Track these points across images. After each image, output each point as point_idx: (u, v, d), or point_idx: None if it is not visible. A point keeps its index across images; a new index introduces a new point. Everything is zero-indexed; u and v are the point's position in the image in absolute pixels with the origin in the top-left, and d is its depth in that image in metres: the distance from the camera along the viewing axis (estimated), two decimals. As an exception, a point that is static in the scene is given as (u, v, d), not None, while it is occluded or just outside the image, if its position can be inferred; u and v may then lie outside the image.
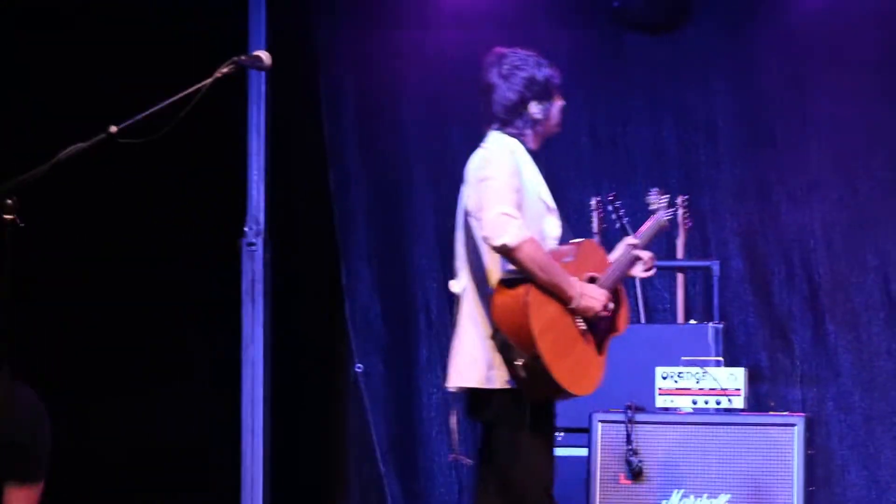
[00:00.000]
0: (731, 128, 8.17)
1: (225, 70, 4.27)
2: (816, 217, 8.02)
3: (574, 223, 8.19)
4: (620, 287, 4.84)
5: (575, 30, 8.27)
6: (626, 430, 6.34)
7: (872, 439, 7.88)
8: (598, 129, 8.35)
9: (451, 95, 8.42)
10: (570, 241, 4.87)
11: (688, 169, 8.14)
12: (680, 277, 7.71)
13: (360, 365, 8.30)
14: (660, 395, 6.49)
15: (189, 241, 7.79)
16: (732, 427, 6.29)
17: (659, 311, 8.08)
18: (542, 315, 4.52)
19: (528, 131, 4.79)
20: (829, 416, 7.91)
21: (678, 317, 7.65)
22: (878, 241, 7.95)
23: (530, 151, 4.79)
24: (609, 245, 7.33)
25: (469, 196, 4.77)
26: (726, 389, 6.41)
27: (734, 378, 6.43)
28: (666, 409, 6.47)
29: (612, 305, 4.71)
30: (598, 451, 6.43)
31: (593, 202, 7.71)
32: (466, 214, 4.78)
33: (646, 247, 5.09)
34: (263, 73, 7.56)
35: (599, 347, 4.73)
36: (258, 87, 7.80)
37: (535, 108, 4.76)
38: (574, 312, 4.62)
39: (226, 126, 7.70)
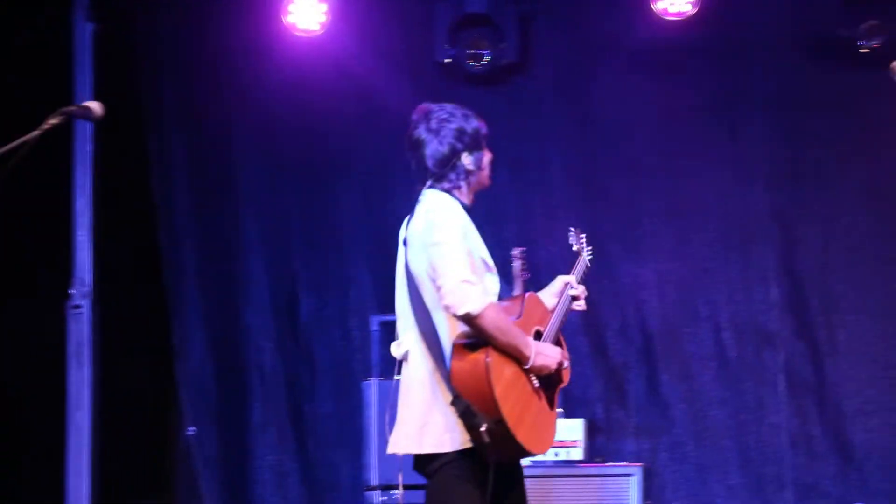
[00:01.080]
0: (565, 180, 8.23)
1: (53, 121, 4.07)
2: (650, 268, 8.11)
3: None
4: (561, 336, 4.80)
5: (408, 83, 8.25)
6: (466, 486, 6.26)
7: (705, 489, 7.95)
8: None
9: (283, 150, 8.38)
10: (512, 296, 4.86)
11: (524, 221, 8.17)
12: (516, 330, 7.68)
13: (192, 428, 8.11)
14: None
15: (13, 302, 7.56)
16: (571, 479, 6.27)
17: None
18: (502, 378, 4.47)
19: (462, 184, 4.72)
20: (663, 467, 7.96)
21: (517, 370, 7.62)
22: (708, 291, 8.07)
23: (465, 207, 4.71)
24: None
25: (415, 260, 4.65)
26: (564, 441, 6.40)
27: (572, 430, 6.43)
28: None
29: (566, 363, 4.70)
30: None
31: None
32: (410, 278, 4.66)
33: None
34: (89, 130, 7.41)
35: (551, 402, 4.68)
36: (84, 145, 7.66)
37: (467, 160, 4.69)
38: (529, 372, 4.57)
39: (52, 186, 7.51)
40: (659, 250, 8.12)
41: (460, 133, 4.70)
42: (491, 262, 4.73)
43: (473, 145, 4.72)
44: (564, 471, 6.30)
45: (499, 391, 4.42)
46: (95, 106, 4.26)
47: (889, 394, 7.84)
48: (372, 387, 7.01)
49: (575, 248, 5.16)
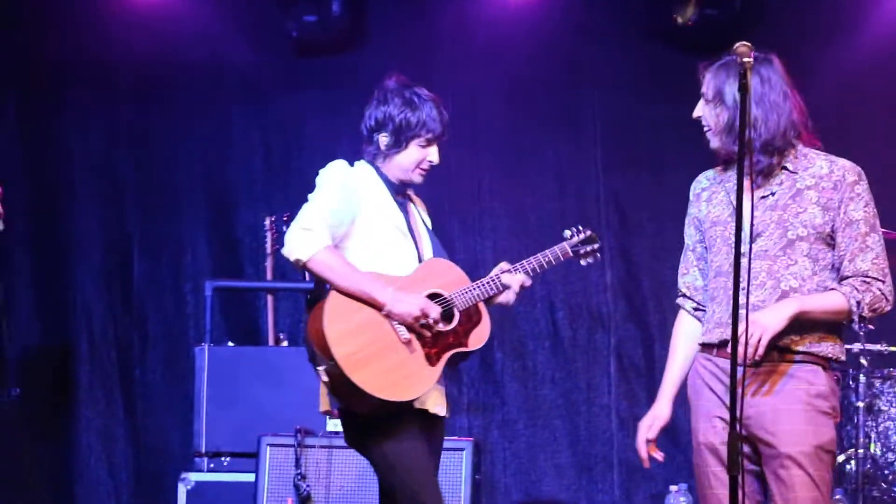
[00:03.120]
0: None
1: None
2: (488, 245, 8.14)
3: (249, 243, 8.14)
4: (480, 306, 4.78)
5: (250, 55, 8.22)
6: (295, 454, 6.23)
7: (535, 467, 8.03)
8: (273, 150, 8.29)
9: (119, 110, 8.27)
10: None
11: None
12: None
13: (16, 389, 7.91)
14: (329, 418, 6.40)
15: None
16: (402, 451, 6.23)
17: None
18: (344, 321, 4.53)
19: (381, 159, 4.82)
20: (495, 444, 8.02)
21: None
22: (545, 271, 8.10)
23: (387, 180, 4.80)
24: (283, 266, 7.32)
25: None
26: (395, 414, 6.37)
27: (404, 402, 6.40)
28: (336, 433, 6.38)
29: (435, 316, 4.61)
30: (266, 476, 6.30)
31: (267, 222, 7.66)
32: None
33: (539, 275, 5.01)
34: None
35: (432, 358, 4.66)
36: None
37: (383, 140, 4.79)
38: (391, 319, 4.58)
39: None
40: (497, 227, 8.16)
41: (388, 118, 4.77)
42: (406, 230, 4.78)
43: (396, 134, 4.77)
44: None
45: (333, 333, 4.49)
46: None
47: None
48: (204, 353, 6.91)
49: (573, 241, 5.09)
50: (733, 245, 3.85)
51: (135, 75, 8.23)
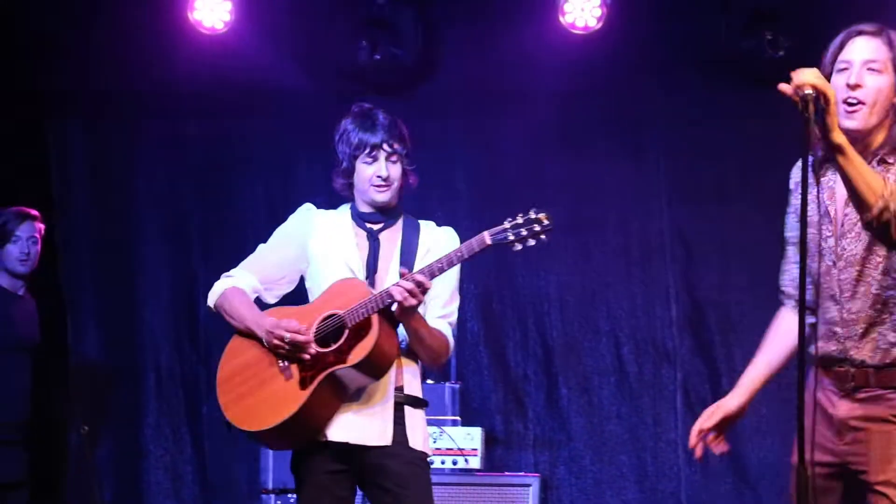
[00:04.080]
0: (468, 190, 8.21)
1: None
2: (551, 281, 8.12)
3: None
4: (372, 319, 4.47)
5: (310, 84, 8.25)
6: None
7: (602, 503, 7.97)
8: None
9: (184, 147, 8.34)
10: None
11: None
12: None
13: (85, 427, 7.97)
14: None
15: None
16: (468, 487, 6.24)
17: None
18: (235, 359, 4.65)
19: (351, 191, 4.82)
20: (561, 480, 7.97)
21: (416, 377, 7.60)
22: (609, 306, 8.09)
23: (358, 212, 4.81)
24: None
25: None
26: (463, 449, 6.37)
27: (471, 438, 6.40)
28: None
29: (292, 336, 4.47)
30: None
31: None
32: None
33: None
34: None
35: (306, 381, 4.50)
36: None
37: (346, 175, 4.80)
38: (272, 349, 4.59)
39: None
40: (561, 263, 8.13)
41: (339, 153, 4.81)
42: (360, 270, 4.70)
43: (346, 163, 4.78)
44: (462, 479, 6.24)
45: (222, 374, 4.65)
46: None
47: (783, 414, 7.89)
48: (270, 389, 6.93)
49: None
50: (820, 248, 3.69)
51: (200, 109, 8.27)
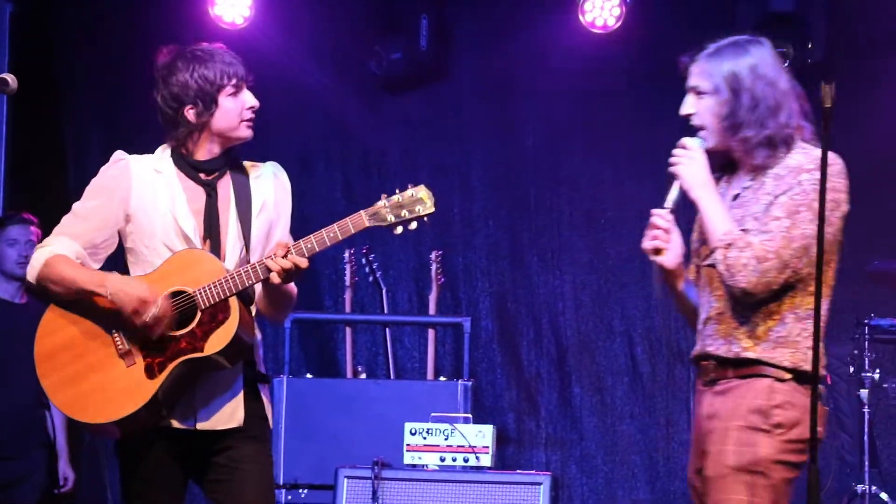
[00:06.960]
0: (484, 188, 8.22)
1: (-32, 93, 3.92)
2: (566, 280, 8.12)
3: (329, 275, 8.18)
4: (231, 302, 4.02)
5: (333, 88, 8.30)
6: (373, 487, 6.22)
7: (613, 502, 7.97)
8: (353, 185, 8.33)
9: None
10: None
11: (442, 226, 8.13)
12: (431, 334, 7.68)
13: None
14: (407, 451, 6.40)
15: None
16: (479, 485, 6.23)
17: (408, 368, 8.06)
18: (57, 337, 4.07)
19: (193, 141, 4.30)
20: (573, 479, 7.97)
21: (428, 373, 7.62)
22: (624, 306, 8.08)
23: (192, 162, 4.29)
24: (362, 299, 7.29)
25: None
26: (475, 447, 6.36)
27: (482, 435, 6.39)
28: (413, 466, 6.38)
29: (154, 312, 3.95)
30: (345, 508, 6.30)
31: (346, 255, 7.67)
32: None
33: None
34: (4, 107, 7.29)
35: (154, 369, 4.01)
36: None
37: (192, 114, 4.26)
38: (120, 328, 4.03)
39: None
40: (576, 262, 8.13)
41: (184, 86, 4.25)
42: (191, 231, 4.17)
43: (201, 96, 4.25)
44: (473, 476, 6.23)
45: (41, 349, 4.09)
46: (10, 79, 4.03)
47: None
48: (283, 384, 6.95)
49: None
50: None
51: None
